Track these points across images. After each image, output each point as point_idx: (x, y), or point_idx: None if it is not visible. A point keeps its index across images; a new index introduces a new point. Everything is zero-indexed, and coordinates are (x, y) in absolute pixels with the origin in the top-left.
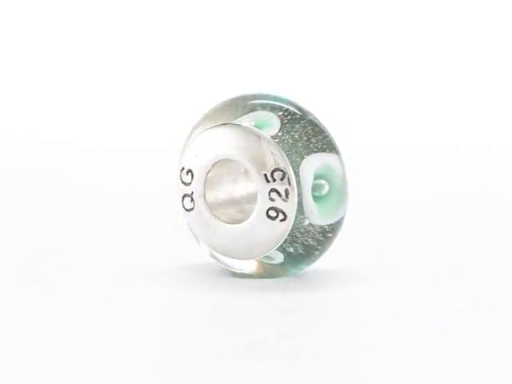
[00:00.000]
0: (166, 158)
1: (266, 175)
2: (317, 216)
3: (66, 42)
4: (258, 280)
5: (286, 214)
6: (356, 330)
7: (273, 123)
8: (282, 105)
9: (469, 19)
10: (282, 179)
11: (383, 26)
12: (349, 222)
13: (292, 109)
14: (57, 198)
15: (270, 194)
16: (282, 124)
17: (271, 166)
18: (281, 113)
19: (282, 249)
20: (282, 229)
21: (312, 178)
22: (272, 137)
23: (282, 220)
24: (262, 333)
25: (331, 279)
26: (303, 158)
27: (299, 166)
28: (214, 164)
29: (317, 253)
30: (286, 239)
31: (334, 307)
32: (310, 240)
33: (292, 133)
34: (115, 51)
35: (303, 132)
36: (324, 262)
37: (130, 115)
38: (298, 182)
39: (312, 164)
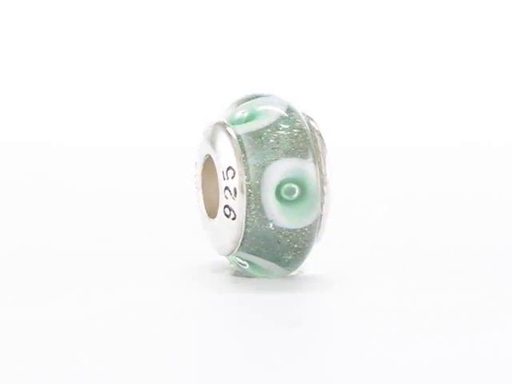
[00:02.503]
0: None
1: (223, 172)
2: (281, 219)
3: (78, 47)
4: (254, 280)
5: (236, 213)
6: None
7: (266, 117)
8: (287, 112)
9: (461, 17)
10: (232, 177)
11: (376, 26)
12: (334, 225)
13: (291, 116)
14: (63, 199)
15: (224, 192)
16: (278, 122)
17: (227, 163)
18: (283, 112)
19: (276, 259)
20: (235, 228)
21: (277, 180)
22: (256, 130)
23: (233, 219)
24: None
25: (318, 282)
26: (278, 159)
27: (267, 167)
28: (206, 159)
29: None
30: (277, 247)
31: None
32: (295, 245)
33: (280, 133)
34: (129, 60)
35: (292, 137)
36: (310, 265)
37: (143, 117)
38: (259, 184)
39: (282, 167)
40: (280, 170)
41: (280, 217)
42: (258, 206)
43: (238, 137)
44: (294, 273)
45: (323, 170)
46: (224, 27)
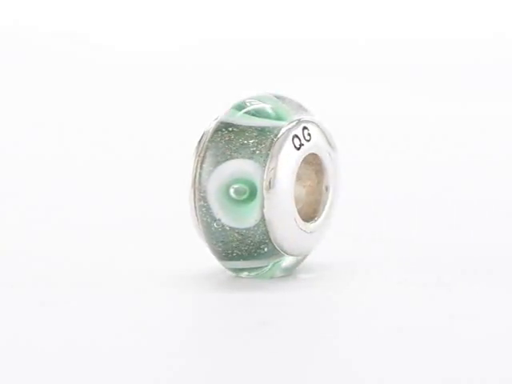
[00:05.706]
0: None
1: None
2: (224, 217)
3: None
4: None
5: (190, 207)
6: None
7: (264, 120)
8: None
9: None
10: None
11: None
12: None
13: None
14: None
15: None
16: (267, 131)
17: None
18: (280, 124)
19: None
20: (193, 224)
21: (227, 179)
22: (241, 125)
23: (190, 213)
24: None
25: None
26: (234, 158)
27: (220, 164)
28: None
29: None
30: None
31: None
32: (255, 242)
33: (261, 138)
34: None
35: (262, 143)
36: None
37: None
38: (208, 180)
39: (235, 167)
40: (232, 169)
41: (224, 216)
42: (206, 204)
43: (218, 125)
44: (294, 274)
45: (269, 176)
46: (226, 29)
